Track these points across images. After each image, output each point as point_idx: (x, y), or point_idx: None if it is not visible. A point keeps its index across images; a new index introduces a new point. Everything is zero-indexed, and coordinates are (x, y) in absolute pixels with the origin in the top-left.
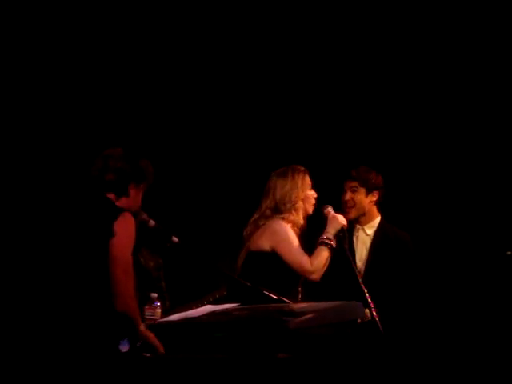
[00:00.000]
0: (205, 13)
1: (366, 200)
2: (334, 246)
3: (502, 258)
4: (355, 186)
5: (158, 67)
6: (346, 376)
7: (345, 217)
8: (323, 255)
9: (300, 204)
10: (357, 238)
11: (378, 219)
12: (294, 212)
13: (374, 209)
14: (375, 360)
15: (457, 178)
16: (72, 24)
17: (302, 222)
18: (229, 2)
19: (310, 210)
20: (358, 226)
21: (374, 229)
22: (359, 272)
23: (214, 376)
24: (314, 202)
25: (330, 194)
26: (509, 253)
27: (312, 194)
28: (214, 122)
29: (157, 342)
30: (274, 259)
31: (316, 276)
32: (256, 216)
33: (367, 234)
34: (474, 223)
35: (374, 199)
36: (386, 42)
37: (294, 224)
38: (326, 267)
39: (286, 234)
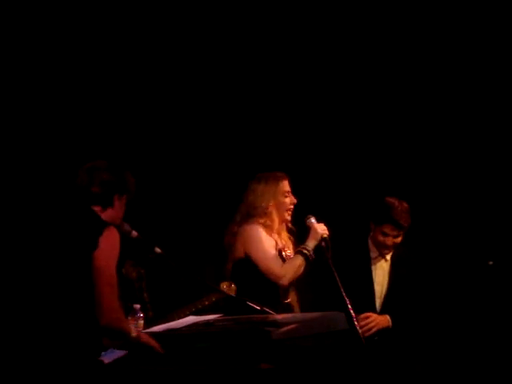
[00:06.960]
0: (191, 28)
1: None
2: (312, 256)
3: (483, 267)
4: (400, 235)
5: (136, 78)
6: None
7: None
8: (295, 262)
9: (271, 210)
10: (375, 264)
11: None
12: (264, 217)
13: None
14: (359, 371)
15: (439, 188)
16: (51, 34)
17: (276, 226)
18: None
19: (286, 216)
20: (379, 257)
21: (391, 253)
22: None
23: None
24: (289, 208)
25: (313, 201)
26: (490, 263)
27: (287, 200)
28: (197, 133)
29: (153, 343)
30: (250, 265)
31: (284, 281)
32: (231, 224)
33: (386, 260)
34: (456, 233)
35: None
36: (380, 52)
37: (268, 229)
38: (296, 275)
39: (256, 237)
